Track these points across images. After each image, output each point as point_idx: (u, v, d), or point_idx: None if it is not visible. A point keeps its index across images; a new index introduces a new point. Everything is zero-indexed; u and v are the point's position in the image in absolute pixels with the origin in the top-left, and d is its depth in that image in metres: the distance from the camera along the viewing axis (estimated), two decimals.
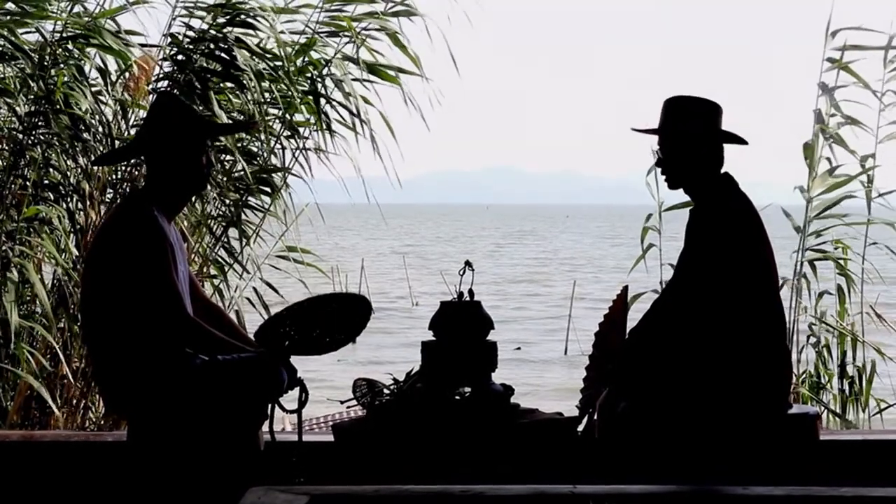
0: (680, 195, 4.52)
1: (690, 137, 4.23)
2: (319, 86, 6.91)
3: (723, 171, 4.29)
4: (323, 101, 6.92)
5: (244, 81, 6.59)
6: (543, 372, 15.22)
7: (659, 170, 4.37)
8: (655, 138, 4.32)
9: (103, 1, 6.77)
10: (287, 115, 6.94)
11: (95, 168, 6.49)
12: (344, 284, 22.42)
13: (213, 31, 6.74)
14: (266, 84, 6.77)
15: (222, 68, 6.69)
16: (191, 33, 6.79)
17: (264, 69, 6.77)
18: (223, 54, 6.66)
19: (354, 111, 6.87)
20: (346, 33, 6.97)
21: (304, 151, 7.06)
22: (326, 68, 6.91)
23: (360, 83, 6.98)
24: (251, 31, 6.80)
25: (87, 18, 6.59)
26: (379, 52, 7.02)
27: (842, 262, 7.59)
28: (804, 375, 7.57)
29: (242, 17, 6.76)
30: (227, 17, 6.76)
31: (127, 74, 6.79)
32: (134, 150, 4.58)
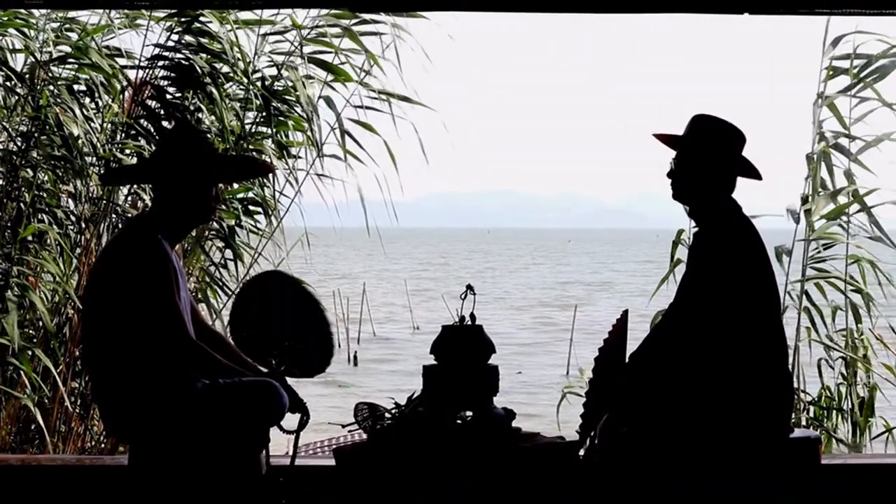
0: None
1: (705, 160, 4.23)
2: (293, 99, 6.85)
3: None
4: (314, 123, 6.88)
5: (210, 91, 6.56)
6: (543, 396, 15.19)
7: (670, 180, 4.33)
8: (657, 147, 4.30)
9: (98, 20, 6.78)
10: (278, 135, 6.93)
11: (92, 191, 6.48)
12: (345, 310, 22.43)
13: (177, 42, 6.73)
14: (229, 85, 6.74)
15: (181, 76, 6.66)
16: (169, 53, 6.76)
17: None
18: (190, 59, 6.63)
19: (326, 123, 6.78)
20: (294, 35, 6.84)
21: (293, 172, 7.01)
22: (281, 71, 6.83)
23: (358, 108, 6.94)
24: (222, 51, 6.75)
25: (74, 35, 6.60)
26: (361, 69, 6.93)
27: (842, 282, 7.47)
28: (811, 397, 7.48)
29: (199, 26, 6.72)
30: (184, 25, 6.71)
31: (124, 95, 6.78)
32: (144, 173, 4.60)
